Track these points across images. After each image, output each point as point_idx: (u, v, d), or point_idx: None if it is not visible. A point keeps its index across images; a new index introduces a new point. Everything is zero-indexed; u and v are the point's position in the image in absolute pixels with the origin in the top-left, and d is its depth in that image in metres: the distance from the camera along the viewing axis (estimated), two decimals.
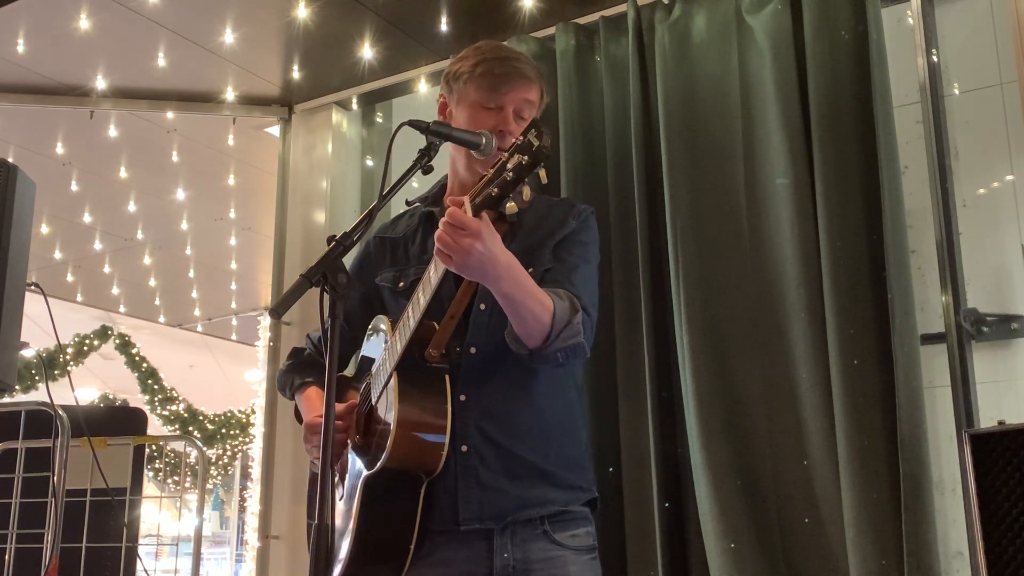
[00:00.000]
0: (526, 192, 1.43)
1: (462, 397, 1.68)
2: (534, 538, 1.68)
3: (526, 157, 1.39)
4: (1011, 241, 2.65)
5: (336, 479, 1.83)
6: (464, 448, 1.67)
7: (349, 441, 1.80)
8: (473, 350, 1.71)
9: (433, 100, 3.73)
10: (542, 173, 1.44)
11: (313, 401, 1.89)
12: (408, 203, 1.95)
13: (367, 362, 1.83)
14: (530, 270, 1.72)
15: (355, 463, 1.75)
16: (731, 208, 2.81)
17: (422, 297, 1.61)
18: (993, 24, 2.78)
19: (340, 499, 1.79)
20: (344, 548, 1.67)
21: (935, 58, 2.80)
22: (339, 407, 1.77)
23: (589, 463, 1.82)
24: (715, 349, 2.71)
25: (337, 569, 1.67)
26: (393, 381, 1.63)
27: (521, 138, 1.41)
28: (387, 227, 1.99)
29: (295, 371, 1.98)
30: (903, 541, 2.37)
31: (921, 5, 2.80)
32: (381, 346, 1.75)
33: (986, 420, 2.53)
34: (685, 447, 2.70)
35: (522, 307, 1.58)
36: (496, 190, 1.42)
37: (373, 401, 1.73)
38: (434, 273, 1.58)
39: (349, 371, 1.97)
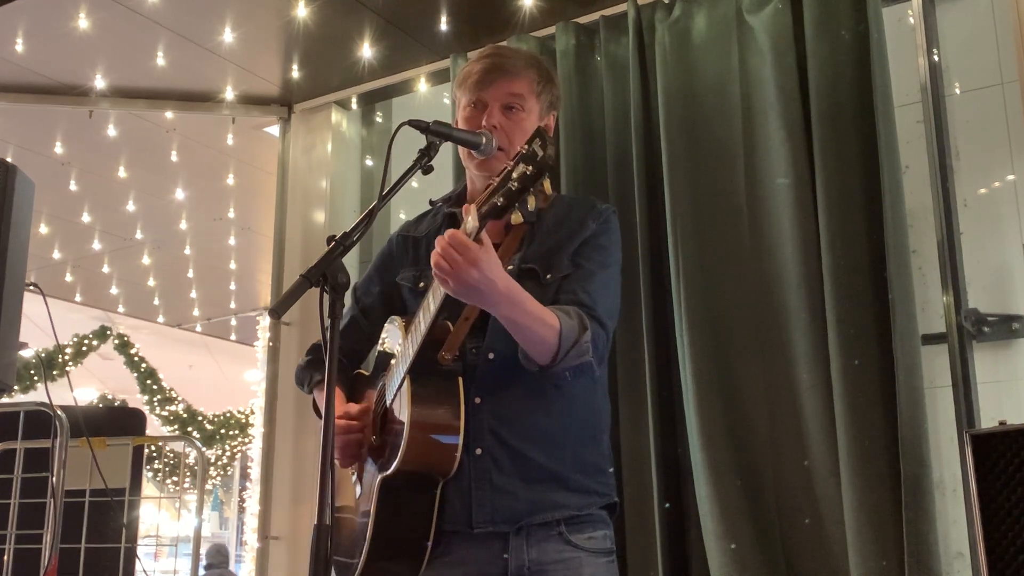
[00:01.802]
0: (531, 201, 1.42)
1: (477, 400, 1.67)
2: (549, 539, 1.67)
3: (531, 167, 1.38)
4: (1012, 241, 2.65)
5: (354, 478, 1.83)
6: (478, 451, 1.66)
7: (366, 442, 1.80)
8: (491, 355, 1.69)
9: (433, 100, 3.77)
10: (547, 184, 1.42)
11: None
12: (431, 203, 1.94)
13: (383, 360, 1.83)
14: (548, 276, 1.71)
15: (372, 464, 1.75)
16: (731, 208, 2.81)
17: (432, 303, 1.60)
18: (994, 24, 2.78)
19: (358, 497, 1.79)
20: (361, 548, 1.67)
21: (936, 58, 2.79)
22: (354, 408, 1.77)
23: (609, 468, 1.80)
24: (715, 349, 2.71)
25: (357, 569, 1.67)
26: (406, 384, 1.63)
27: (526, 148, 1.40)
28: (410, 226, 1.98)
29: (314, 367, 1.97)
30: (904, 541, 2.37)
31: (922, 5, 2.79)
32: (396, 346, 1.75)
33: (987, 420, 2.53)
34: (685, 447, 2.70)
35: (526, 330, 1.58)
36: (502, 200, 1.41)
37: (387, 403, 1.73)
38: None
39: (368, 368, 1.97)
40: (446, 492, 1.65)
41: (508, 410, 1.69)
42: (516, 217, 1.42)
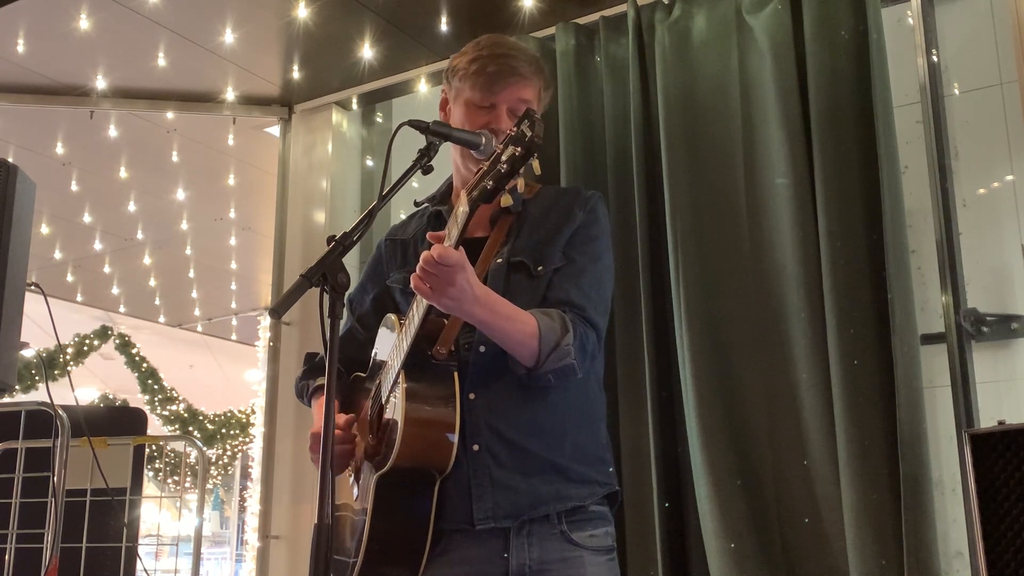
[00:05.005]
0: (520, 184, 1.45)
1: (471, 396, 1.67)
2: (551, 538, 1.66)
3: (519, 148, 1.40)
4: (1011, 241, 2.65)
5: (352, 480, 1.83)
6: (476, 447, 1.65)
7: (357, 449, 1.80)
8: (482, 348, 1.69)
9: (433, 100, 3.77)
10: (535, 164, 1.44)
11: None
12: (417, 204, 1.94)
13: (379, 362, 1.83)
14: (539, 268, 1.72)
15: (368, 464, 1.75)
16: (731, 208, 2.81)
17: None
18: (993, 24, 2.78)
19: (355, 499, 1.78)
20: (359, 548, 1.66)
21: (935, 58, 2.80)
22: (341, 418, 1.76)
23: (608, 456, 1.79)
24: (715, 349, 2.71)
25: (355, 569, 1.66)
26: (401, 380, 1.62)
27: (514, 129, 1.42)
28: (397, 229, 1.99)
29: (311, 376, 1.97)
30: (903, 541, 2.37)
31: (921, 5, 2.80)
32: (391, 344, 1.75)
33: (986, 420, 2.53)
34: (685, 447, 2.70)
35: (503, 333, 1.60)
36: (491, 183, 1.42)
37: (383, 400, 1.72)
38: None
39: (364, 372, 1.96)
40: (444, 490, 1.64)
41: (504, 403, 1.68)
42: (505, 199, 1.44)
